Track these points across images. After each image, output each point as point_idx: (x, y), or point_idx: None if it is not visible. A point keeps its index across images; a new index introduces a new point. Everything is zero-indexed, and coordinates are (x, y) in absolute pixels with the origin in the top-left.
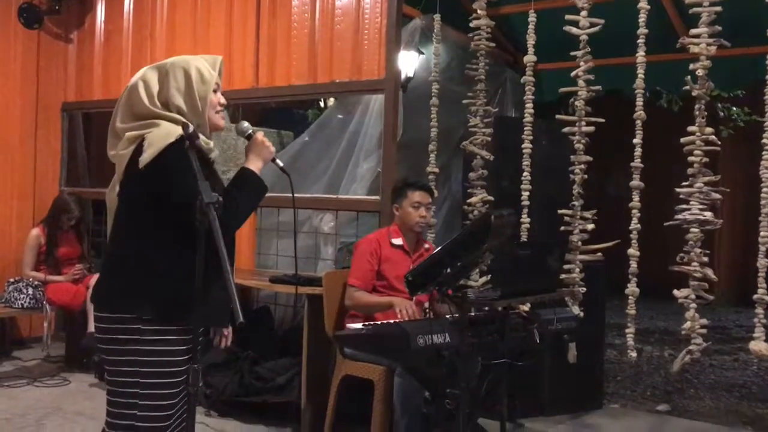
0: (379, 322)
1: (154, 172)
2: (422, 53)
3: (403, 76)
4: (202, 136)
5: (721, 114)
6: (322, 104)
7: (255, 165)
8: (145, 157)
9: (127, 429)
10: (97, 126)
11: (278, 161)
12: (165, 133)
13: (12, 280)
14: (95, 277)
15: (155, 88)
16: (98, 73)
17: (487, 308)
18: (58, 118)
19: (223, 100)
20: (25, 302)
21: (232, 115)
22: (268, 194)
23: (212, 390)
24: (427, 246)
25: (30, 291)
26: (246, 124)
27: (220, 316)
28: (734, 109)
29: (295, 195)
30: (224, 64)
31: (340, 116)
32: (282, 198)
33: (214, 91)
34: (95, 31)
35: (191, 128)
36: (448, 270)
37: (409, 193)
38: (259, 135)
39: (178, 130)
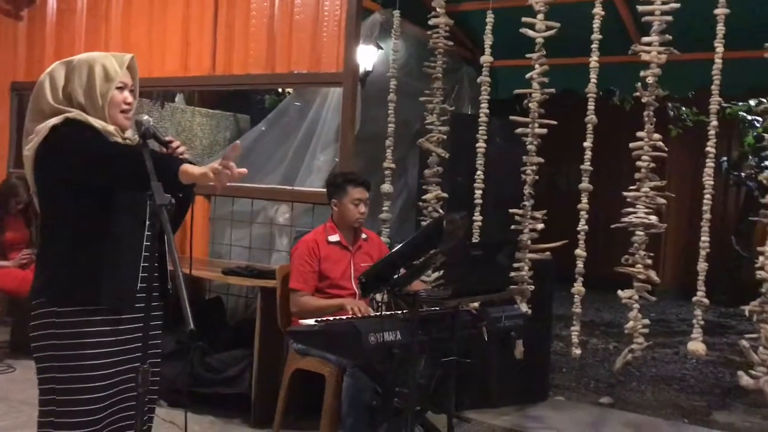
0: (331, 319)
1: (43, 156)
2: (381, 48)
3: (361, 70)
4: (118, 130)
5: (671, 113)
6: (280, 90)
7: (194, 172)
8: (32, 144)
9: (47, 426)
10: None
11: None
12: (51, 121)
13: None
14: None
15: (61, 83)
16: (50, 53)
17: (438, 307)
18: (6, 98)
19: (129, 99)
20: None
21: (188, 100)
22: None
23: (162, 380)
24: (365, 236)
25: None
26: (146, 117)
27: (130, 294)
28: (683, 109)
29: (251, 185)
30: (181, 49)
31: (297, 104)
32: (236, 188)
33: (120, 89)
34: (47, 9)
35: (114, 131)
36: (401, 272)
37: (349, 189)
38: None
39: (62, 116)
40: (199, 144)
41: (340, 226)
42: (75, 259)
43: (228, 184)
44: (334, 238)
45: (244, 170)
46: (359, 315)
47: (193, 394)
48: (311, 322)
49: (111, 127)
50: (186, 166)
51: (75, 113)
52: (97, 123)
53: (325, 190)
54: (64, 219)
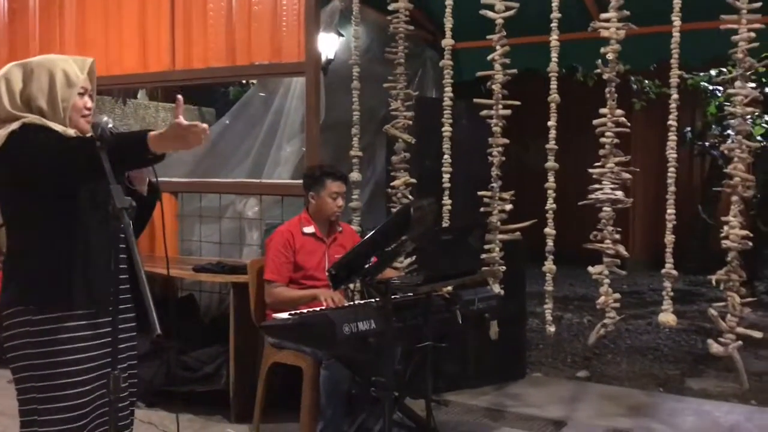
0: (305, 311)
1: (4, 160)
2: (342, 35)
3: (323, 59)
4: (78, 134)
5: (634, 87)
6: (244, 81)
7: (165, 134)
8: None
9: None
10: None
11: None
12: (7, 127)
13: None
14: None
15: (18, 86)
16: (3, 55)
17: (411, 293)
18: None
19: (89, 104)
20: None
21: (151, 96)
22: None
23: (139, 381)
24: (340, 228)
25: None
26: (105, 118)
27: (104, 296)
28: (646, 82)
29: (218, 180)
30: (138, 46)
31: (261, 95)
32: (203, 183)
33: (81, 95)
34: None
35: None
36: (372, 261)
37: (327, 183)
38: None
39: (19, 122)
40: None
41: (316, 218)
42: (44, 266)
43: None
44: (309, 229)
45: (204, 125)
46: (333, 306)
47: (170, 393)
48: (285, 315)
49: (71, 131)
50: (153, 134)
51: (33, 117)
52: (57, 127)
53: (293, 181)
54: (28, 226)
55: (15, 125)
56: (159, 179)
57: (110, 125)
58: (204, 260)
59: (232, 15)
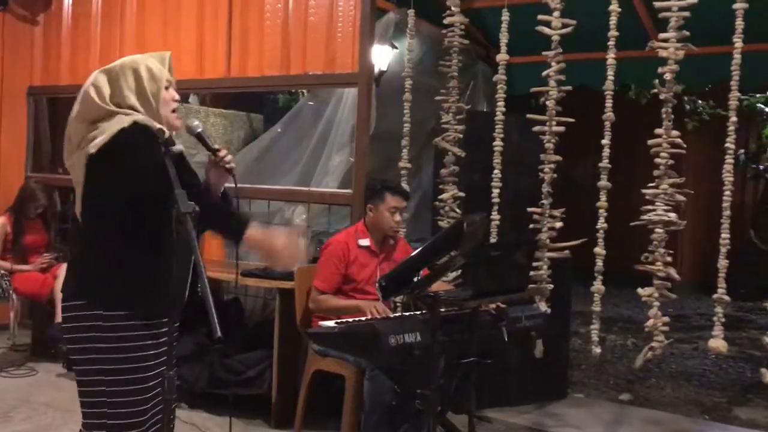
0: (351, 320)
1: (107, 156)
2: (396, 47)
3: (376, 70)
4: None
5: (687, 107)
6: (293, 89)
7: (258, 239)
8: (97, 142)
9: (100, 427)
10: (64, 111)
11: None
12: (117, 121)
13: None
14: (63, 266)
15: (107, 91)
16: (66, 57)
17: (457, 308)
18: (23, 103)
19: (176, 96)
20: None
21: (201, 100)
22: (240, 185)
23: (182, 382)
24: (392, 242)
25: None
26: (196, 122)
27: (174, 308)
28: (700, 102)
29: (268, 187)
30: (196, 52)
31: (312, 104)
32: (253, 189)
33: (166, 88)
34: (62, 14)
35: (166, 134)
36: (421, 274)
37: (387, 197)
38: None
39: (130, 119)
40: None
41: (372, 230)
42: (122, 267)
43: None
44: (365, 242)
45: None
46: (378, 316)
47: (213, 395)
48: (331, 323)
49: (178, 145)
50: (253, 233)
51: (141, 117)
52: (156, 127)
53: (340, 190)
54: (110, 225)
55: (127, 122)
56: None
57: (200, 128)
58: (251, 265)
59: (288, 24)
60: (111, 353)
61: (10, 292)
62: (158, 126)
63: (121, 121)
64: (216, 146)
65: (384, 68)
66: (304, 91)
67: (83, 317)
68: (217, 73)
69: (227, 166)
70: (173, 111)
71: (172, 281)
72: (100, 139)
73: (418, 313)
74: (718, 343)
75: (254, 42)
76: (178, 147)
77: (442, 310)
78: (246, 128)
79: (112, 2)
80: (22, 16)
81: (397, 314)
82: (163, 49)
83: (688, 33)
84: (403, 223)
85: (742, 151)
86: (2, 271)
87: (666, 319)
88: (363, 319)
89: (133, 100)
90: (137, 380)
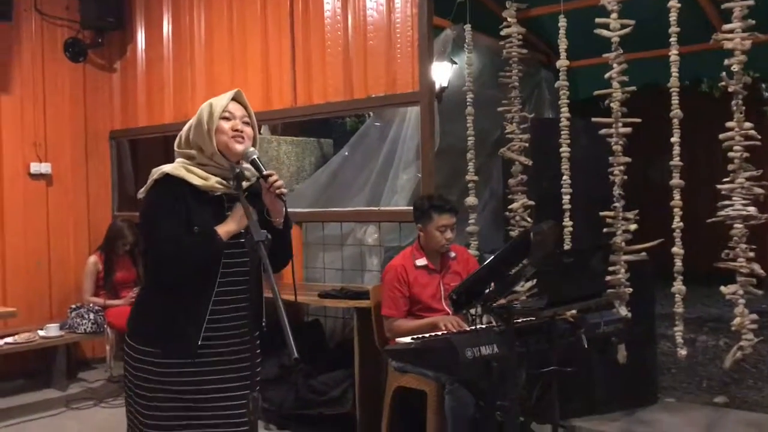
0: (427, 335)
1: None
2: (455, 63)
3: (437, 87)
4: (221, 182)
5: (765, 94)
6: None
7: (228, 227)
8: (141, 192)
9: None
10: (143, 151)
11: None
12: (157, 169)
13: (74, 306)
14: None
15: (185, 131)
16: (142, 101)
17: (533, 318)
18: (106, 147)
19: (238, 126)
20: (87, 327)
21: (272, 130)
22: (312, 209)
23: (270, 404)
24: (453, 254)
25: (91, 316)
26: (252, 148)
27: (191, 348)
28: None
29: (339, 209)
30: (262, 85)
31: (377, 125)
32: (325, 213)
33: (227, 119)
34: (137, 60)
35: (237, 169)
36: (492, 286)
37: (435, 217)
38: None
39: (167, 168)
40: (286, 171)
41: (426, 250)
42: (150, 308)
43: None
44: (422, 262)
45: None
46: (454, 331)
47: (299, 416)
48: (407, 339)
49: (213, 180)
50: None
51: (174, 166)
52: (196, 180)
53: (409, 208)
54: (148, 267)
55: (159, 174)
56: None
57: (255, 155)
58: (328, 286)
59: (349, 51)
60: (134, 388)
61: (105, 326)
62: (201, 180)
63: (159, 172)
64: (267, 172)
65: (445, 84)
66: (370, 113)
67: (126, 353)
68: (284, 103)
69: (277, 192)
70: (233, 137)
71: (187, 328)
72: (143, 188)
73: (494, 325)
74: None
75: (317, 71)
76: (244, 183)
77: (519, 320)
78: (317, 153)
79: (183, 46)
80: (100, 65)
81: (472, 327)
82: (231, 86)
83: (753, 22)
84: (473, 236)
85: None
86: (97, 307)
87: (754, 316)
88: (439, 334)
89: (197, 137)
90: (151, 408)
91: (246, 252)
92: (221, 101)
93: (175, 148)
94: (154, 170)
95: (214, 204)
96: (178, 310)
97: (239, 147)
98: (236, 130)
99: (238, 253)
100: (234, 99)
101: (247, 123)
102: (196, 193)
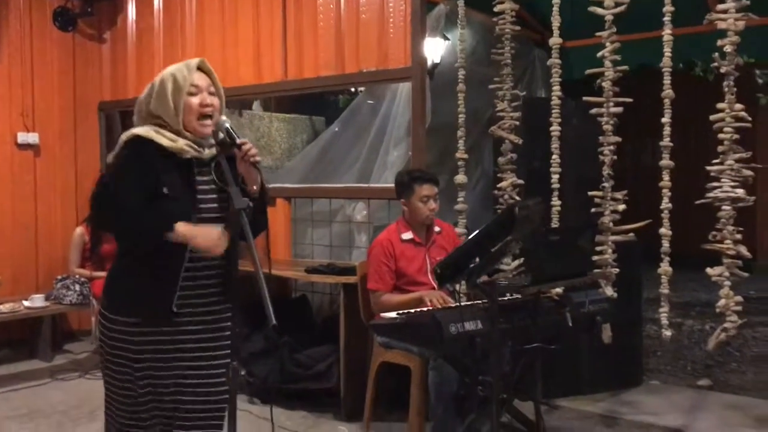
0: (412, 311)
1: (109, 173)
2: (448, 39)
3: (429, 63)
4: (191, 144)
5: (760, 81)
6: (352, 89)
7: (183, 231)
8: (110, 156)
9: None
10: (133, 123)
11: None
12: (126, 134)
13: (60, 277)
14: None
15: (145, 101)
16: (132, 72)
17: (518, 295)
18: (95, 118)
19: (207, 101)
20: (73, 298)
21: (264, 106)
22: (302, 185)
23: (255, 378)
24: (438, 229)
25: (77, 287)
26: (224, 118)
27: (153, 311)
28: None
29: (329, 185)
30: (253, 58)
31: (370, 102)
32: (315, 189)
33: (193, 94)
34: (127, 31)
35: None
36: (477, 260)
37: (416, 188)
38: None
39: (137, 130)
40: (278, 148)
41: (412, 223)
42: (121, 274)
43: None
44: (407, 235)
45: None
46: (439, 306)
47: (284, 390)
48: (393, 315)
49: (182, 142)
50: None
51: (145, 129)
52: (165, 141)
53: None
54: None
55: (127, 135)
56: (273, 185)
57: (227, 124)
58: (316, 262)
59: (341, 24)
60: (107, 354)
61: (91, 298)
62: (171, 142)
63: (128, 134)
64: (240, 140)
65: (437, 61)
66: (361, 89)
67: (98, 321)
68: (275, 77)
69: (251, 159)
70: (200, 118)
71: (159, 291)
72: (111, 155)
73: (479, 301)
74: None
75: (309, 44)
76: (210, 151)
77: (503, 297)
78: (309, 131)
79: (173, 16)
80: (89, 35)
81: (457, 303)
82: (222, 58)
83: (747, 2)
84: (462, 214)
85: None
86: (82, 279)
87: (739, 298)
88: (424, 309)
89: (160, 110)
90: (115, 372)
91: (221, 218)
92: (186, 74)
93: (136, 122)
94: (125, 133)
95: (183, 167)
96: (150, 277)
97: (207, 131)
98: (204, 105)
99: (207, 219)
100: (198, 67)
101: (212, 93)
102: (165, 156)
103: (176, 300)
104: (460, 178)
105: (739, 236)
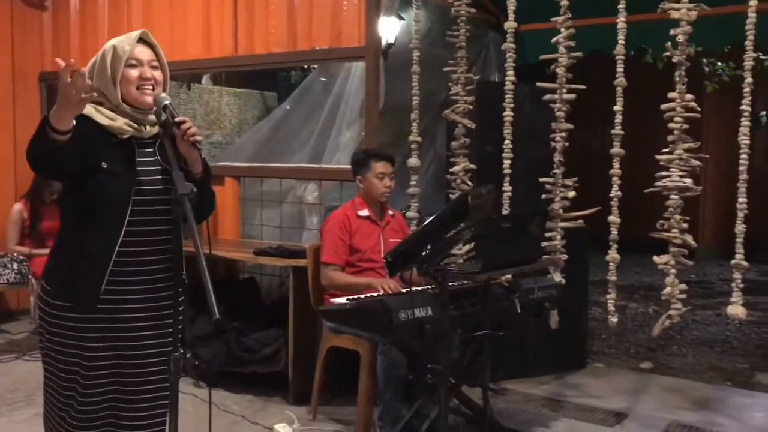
0: (362, 296)
1: None
2: (403, 19)
3: (383, 43)
4: (129, 123)
5: (706, 69)
6: (305, 66)
7: (51, 113)
8: None
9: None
10: None
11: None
12: None
13: None
14: None
15: (88, 74)
16: (75, 42)
17: (469, 281)
18: (36, 88)
19: (147, 74)
20: (10, 277)
21: (215, 80)
22: (251, 164)
23: (200, 361)
24: (391, 213)
25: (15, 266)
26: (164, 95)
27: (82, 294)
28: (719, 64)
29: (279, 165)
30: (202, 31)
31: (322, 79)
32: (265, 168)
33: (132, 66)
34: None
35: (163, 116)
36: (428, 248)
37: (372, 164)
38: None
39: None
40: (228, 123)
41: (368, 201)
42: (56, 252)
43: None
44: (364, 212)
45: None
46: (389, 291)
47: (230, 374)
48: (342, 300)
49: (120, 121)
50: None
51: (88, 109)
52: (104, 119)
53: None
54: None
55: None
56: (222, 164)
57: (167, 101)
58: (265, 244)
59: (294, 0)
60: (45, 334)
61: (30, 276)
62: (109, 120)
63: None
64: (179, 119)
65: (391, 41)
66: (315, 66)
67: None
68: (225, 51)
69: (191, 139)
70: (138, 88)
71: (87, 274)
72: None
73: (429, 288)
74: (736, 309)
75: (260, 19)
76: (151, 130)
77: (453, 284)
78: (260, 106)
79: None
80: (30, 2)
81: (407, 289)
82: (169, 29)
83: None
84: (414, 198)
85: (763, 113)
86: (21, 257)
87: (683, 286)
88: (374, 295)
89: (101, 83)
90: (54, 361)
91: (166, 200)
92: (126, 46)
93: None
94: None
95: (124, 146)
96: (80, 257)
97: (148, 99)
98: (144, 78)
99: (149, 200)
100: (141, 40)
101: (155, 67)
102: (105, 135)
103: (105, 284)
104: (413, 161)
105: (685, 225)
